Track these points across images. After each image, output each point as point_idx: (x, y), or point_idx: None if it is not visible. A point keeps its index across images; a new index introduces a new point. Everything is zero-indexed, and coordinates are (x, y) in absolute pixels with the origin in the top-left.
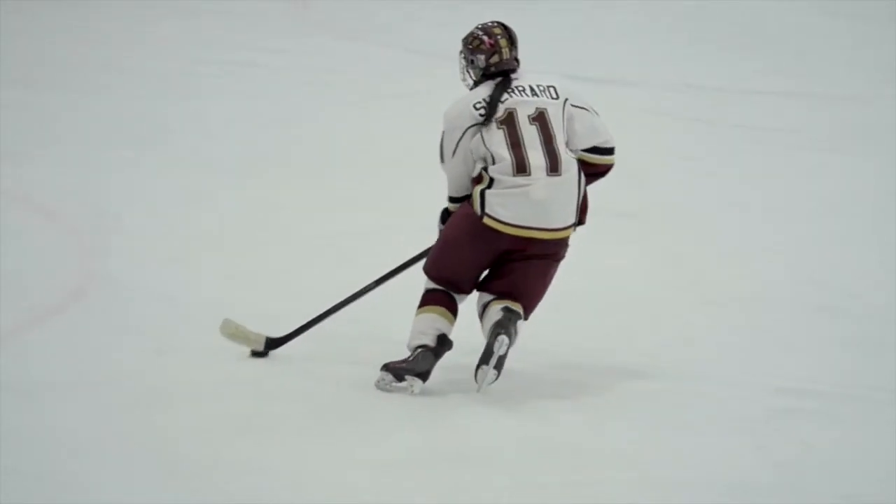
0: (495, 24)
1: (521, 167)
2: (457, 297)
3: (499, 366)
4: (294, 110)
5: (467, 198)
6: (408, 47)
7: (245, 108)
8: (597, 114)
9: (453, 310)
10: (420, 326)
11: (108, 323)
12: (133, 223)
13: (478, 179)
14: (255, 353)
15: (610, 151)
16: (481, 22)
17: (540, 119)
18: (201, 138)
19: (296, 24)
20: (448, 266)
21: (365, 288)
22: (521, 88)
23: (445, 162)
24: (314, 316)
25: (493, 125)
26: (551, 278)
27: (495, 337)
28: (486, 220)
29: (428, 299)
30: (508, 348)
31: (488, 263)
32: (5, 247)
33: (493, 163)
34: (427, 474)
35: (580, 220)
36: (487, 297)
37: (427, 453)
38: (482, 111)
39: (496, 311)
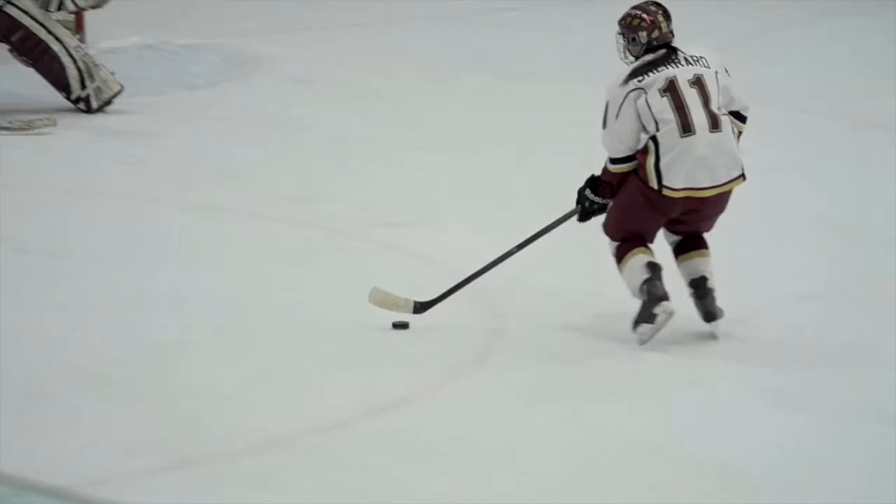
0: (650, 2)
1: (686, 128)
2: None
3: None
4: None
5: (629, 160)
6: None
7: None
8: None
9: (646, 245)
10: (632, 273)
11: None
12: None
13: (644, 151)
14: (397, 325)
15: (745, 119)
16: (632, 6)
17: (698, 83)
18: None
19: None
20: (629, 229)
21: (507, 252)
22: (676, 60)
23: (609, 126)
24: (460, 280)
25: (657, 94)
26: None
27: (708, 315)
28: (664, 192)
29: (623, 250)
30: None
31: (666, 222)
32: None
33: (659, 129)
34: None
35: (744, 171)
36: (671, 236)
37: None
38: (639, 77)
39: (693, 272)
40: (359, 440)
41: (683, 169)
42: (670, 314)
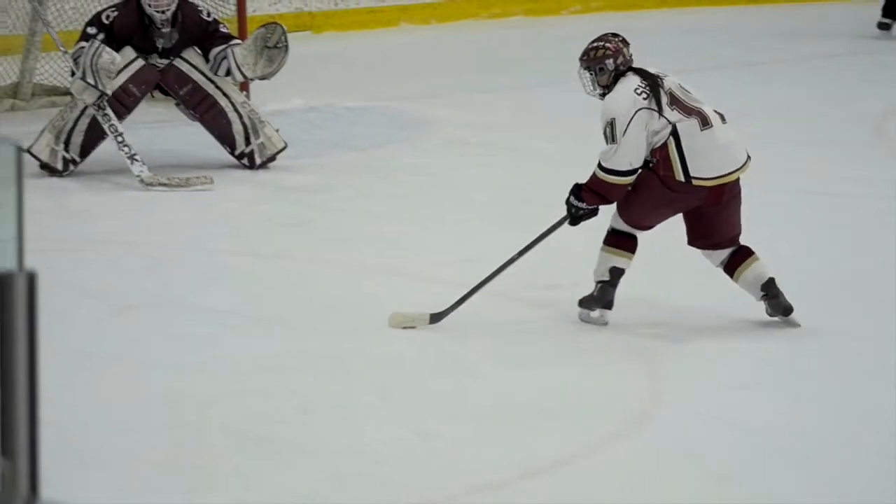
0: (610, 34)
1: (705, 122)
2: (639, 232)
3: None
4: None
5: (633, 174)
6: None
7: None
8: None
9: (629, 247)
10: (604, 263)
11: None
12: None
13: (664, 147)
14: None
15: None
16: (591, 41)
17: (683, 90)
18: None
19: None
20: (644, 222)
21: (511, 259)
22: (654, 76)
23: (617, 141)
24: (469, 289)
25: (667, 107)
26: (741, 201)
27: (786, 310)
28: (695, 182)
29: (616, 240)
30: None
31: (678, 212)
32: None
33: (678, 130)
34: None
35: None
36: (716, 255)
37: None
38: (644, 94)
39: (758, 278)
40: (514, 502)
41: (711, 160)
42: (604, 323)
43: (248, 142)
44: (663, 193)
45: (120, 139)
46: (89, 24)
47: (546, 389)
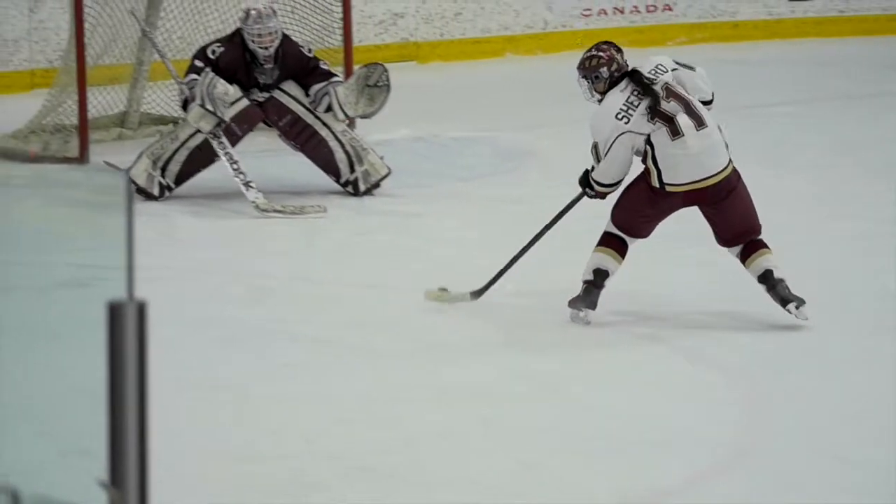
0: (601, 43)
1: (675, 132)
2: (630, 239)
3: (788, 300)
4: None
5: (619, 184)
6: None
7: None
8: (695, 70)
9: (622, 252)
10: (592, 263)
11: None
12: None
13: (644, 155)
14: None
15: (709, 103)
16: (586, 51)
17: (671, 94)
18: None
19: None
20: (629, 220)
21: (537, 235)
22: (643, 84)
23: (601, 162)
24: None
25: (644, 123)
26: (746, 193)
27: (794, 306)
28: (667, 188)
29: (606, 240)
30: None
31: (666, 216)
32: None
33: (654, 141)
34: None
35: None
36: (735, 250)
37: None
38: (624, 119)
39: (757, 270)
40: None
41: (682, 168)
42: (587, 322)
43: (352, 169)
44: (646, 195)
45: (235, 166)
46: (196, 57)
47: (646, 418)
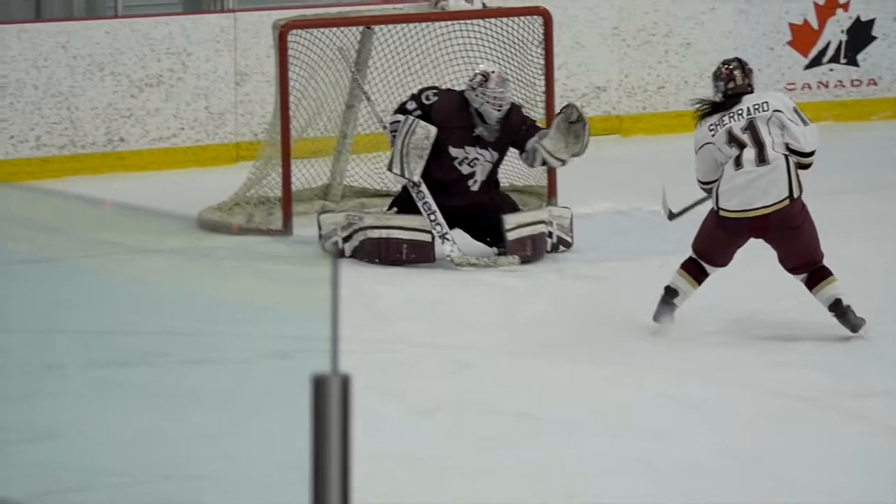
0: (734, 59)
1: (738, 163)
2: (709, 267)
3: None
4: None
5: (712, 183)
6: None
7: None
8: (804, 124)
9: (695, 275)
10: (670, 280)
11: None
12: None
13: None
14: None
15: (803, 154)
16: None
17: (750, 128)
18: None
19: None
20: (701, 245)
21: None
22: (740, 112)
23: (696, 163)
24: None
25: (725, 144)
26: (810, 228)
27: (863, 331)
28: (721, 212)
29: (684, 263)
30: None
31: (737, 245)
32: None
33: (723, 166)
34: None
35: (792, 195)
36: (800, 277)
37: None
38: (712, 133)
39: (826, 299)
40: None
41: (734, 196)
42: (656, 332)
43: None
44: (714, 222)
45: (433, 217)
46: (410, 99)
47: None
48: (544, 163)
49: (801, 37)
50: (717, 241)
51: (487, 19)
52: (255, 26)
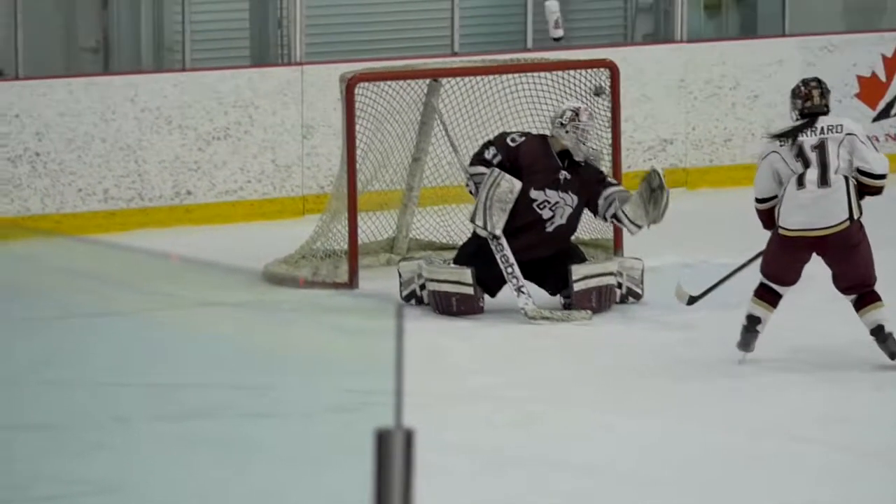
0: (813, 78)
1: (800, 182)
2: (780, 288)
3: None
4: None
5: (768, 201)
6: None
7: None
8: (873, 149)
9: (769, 299)
10: (746, 310)
11: None
12: None
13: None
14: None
15: (873, 176)
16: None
17: (820, 147)
18: None
19: None
20: (772, 269)
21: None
22: (814, 129)
23: (756, 177)
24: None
25: (792, 157)
26: (867, 250)
27: (893, 354)
28: (781, 231)
29: (756, 290)
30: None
31: (802, 261)
32: None
33: (787, 182)
34: None
35: (852, 217)
36: (850, 297)
37: None
38: (782, 144)
39: (870, 323)
40: None
41: (795, 215)
42: (741, 361)
43: (619, 285)
44: (778, 242)
45: (510, 270)
46: (490, 143)
47: None
48: (615, 216)
49: (869, 89)
50: (782, 262)
51: (554, 72)
52: (322, 79)
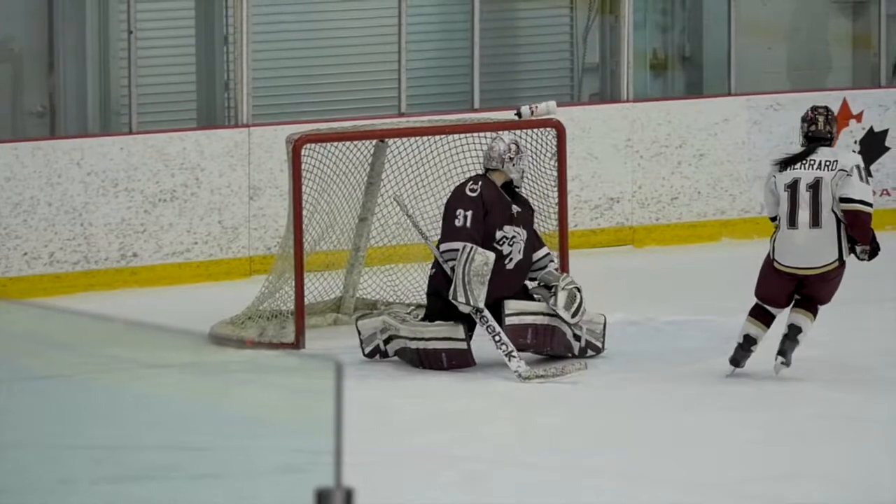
0: (822, 106)
1: (792, 222)
2: (773, 309)
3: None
4: None
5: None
6: None
7: None
8: (863, 182)
9: (763, 319)
10: (741, 329)
11: None
12: None
13: (776, 227)
14: None
15: (851, 201)
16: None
17: (815, 186)
18: None
19: None
20: (764, 292)
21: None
22: (812, 162)
23: (762, 197)
24: None
25: (783, 187)
26: (837, 283)
27: (780, 361)
28: (775, 264)
29: (751, 310)
30: (786, 358)
31: (789, 289)
32: None
33: (781, 219)
34: None
35: (841, 258)
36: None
37: None
38: (781, 169)
39: (793, 320)
40: None
41: (788, 253)
42: (729, 374)
43: (577, 338)
44: (770, 268)
45: (497, 338)
46: (455, 206)
47: None
48: (546, 286)
49: None
50: (773, 286)
51: (501, 132)
52: (269, 140)
